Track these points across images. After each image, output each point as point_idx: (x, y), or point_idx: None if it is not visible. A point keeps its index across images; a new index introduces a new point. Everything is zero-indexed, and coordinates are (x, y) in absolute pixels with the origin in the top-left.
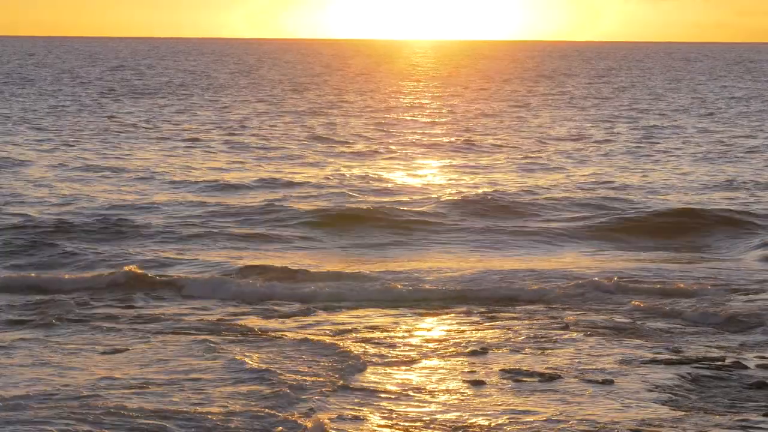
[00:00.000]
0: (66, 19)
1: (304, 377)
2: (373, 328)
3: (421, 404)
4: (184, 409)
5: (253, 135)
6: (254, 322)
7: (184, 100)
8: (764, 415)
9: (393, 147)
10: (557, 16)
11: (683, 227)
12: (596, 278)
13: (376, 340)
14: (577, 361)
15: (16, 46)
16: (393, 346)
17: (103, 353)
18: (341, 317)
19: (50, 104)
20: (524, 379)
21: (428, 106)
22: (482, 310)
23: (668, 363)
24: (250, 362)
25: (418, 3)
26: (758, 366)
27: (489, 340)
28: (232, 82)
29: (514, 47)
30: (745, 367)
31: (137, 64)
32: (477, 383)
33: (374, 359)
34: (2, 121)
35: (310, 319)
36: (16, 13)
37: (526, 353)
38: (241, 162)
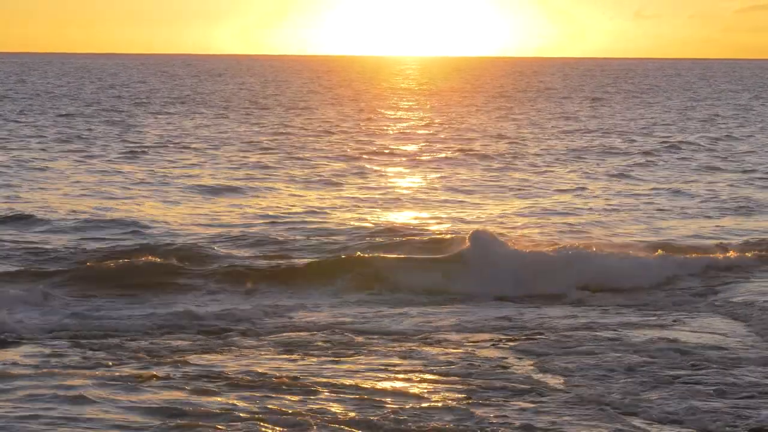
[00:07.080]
0: (50, 36)
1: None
2: (363, 332)
3: (415, 418)
4: None
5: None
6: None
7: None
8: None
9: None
10: (543, 32)
11: None
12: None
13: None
14: (570, 377)
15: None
16: (383, 356)
17: None
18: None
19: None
20: (515, 392)
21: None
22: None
23: (665, 377)
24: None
25: (404, 20)
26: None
27: (478, 355)
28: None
29: (505, 63)
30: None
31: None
32: (468, 398)
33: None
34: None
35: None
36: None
37: (515, 368)
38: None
